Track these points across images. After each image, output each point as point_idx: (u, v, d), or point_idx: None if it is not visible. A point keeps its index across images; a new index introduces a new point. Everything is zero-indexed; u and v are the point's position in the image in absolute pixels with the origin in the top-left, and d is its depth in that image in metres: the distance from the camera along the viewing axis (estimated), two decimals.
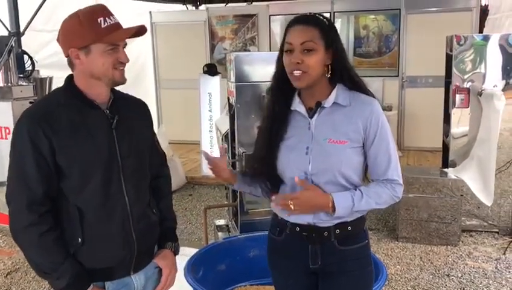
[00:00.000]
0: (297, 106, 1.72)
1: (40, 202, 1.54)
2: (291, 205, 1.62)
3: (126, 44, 1.61)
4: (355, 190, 1.67)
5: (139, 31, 1.59)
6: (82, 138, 1.56)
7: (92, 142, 1.57)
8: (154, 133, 1.87)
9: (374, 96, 1.72)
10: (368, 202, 1.66)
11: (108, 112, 1.63)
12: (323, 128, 1.67)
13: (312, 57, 1.61)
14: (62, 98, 1.59)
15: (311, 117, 1.69)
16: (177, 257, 1.91)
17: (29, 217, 1.53)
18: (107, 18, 1.53)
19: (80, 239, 1.59)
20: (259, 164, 1.79)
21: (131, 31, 1.57)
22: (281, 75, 1.70)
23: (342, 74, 1.67)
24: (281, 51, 1.69)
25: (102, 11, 1.56)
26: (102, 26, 1.52)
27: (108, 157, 1.60)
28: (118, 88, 1.71)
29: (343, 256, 1.72)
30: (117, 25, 1.56)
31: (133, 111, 1.73)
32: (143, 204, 1.73)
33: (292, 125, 1.72)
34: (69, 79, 1.63)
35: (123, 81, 1.62)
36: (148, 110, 1.84)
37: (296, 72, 1.62)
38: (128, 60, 1.59)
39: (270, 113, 1.75)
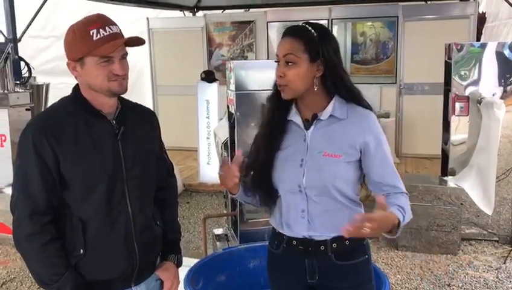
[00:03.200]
0: (294, 116, 1.69)
1: (43, 211, 1.54)
2: (365, 229, 1.39)
3: (126, 54, 1.57)
4: (390, 205, 1.55)
5: (132, 41, 1.55)
6: (86, 148, 1.55)
7: (96, 153, 1.56)
8: (163, 143, 1.85)
9: (371, 108, 1.68)
10: (408, 213, 1.56)
11: (114, 122, 1.61)
12: (318, 141, 1.64)
13: (291, 70, 1.59)
14: (71, 108, 1.58)
15: (307, 129, 1.67)
16: None
17: (31, 227, 1.53)
18: (101, 29, 1.49)
19: (82, 250, 1.58)
20: (256, 172, 1.75)
21: (120, 43, 1.52)
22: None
23: (336, 85, 1.64)
24: None
25: (98, 21, 1.52)
26: (94, 38, 1.48)
27: (113, 168, 1.58)
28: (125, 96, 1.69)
29: (342, 271, 1.69)
30: (111, 36, 1.51)
31: (141, 121, 1.72)
32: (147, 216, 1.71)
33: (289, 136, 1.70)
34: (76, 88, 1.62)
35: (122, 91, 1.59)
36: (156, 119, 1.83)
37: (280, 85, 1.63)
38: (123, 72, 1.55)
39: (269, 121, 1.73)
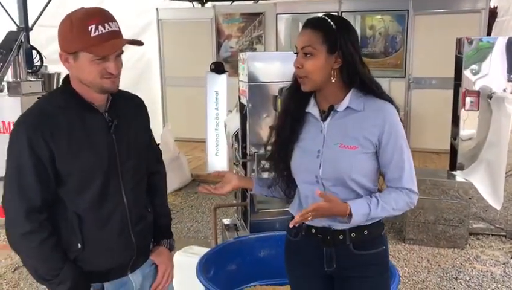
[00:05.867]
0: (312, 108, 1.72)
1: (39, 209, 1.51)
2: (309, 217, 1.59)
3: (121, 52, 1.52)
4: (371, 196, 1.65)
5: (132, 43, 1.52)
6: (81, 143, 1.52)
7: (91, 147, 1.54)
8: (150, 130, 1.83)
9: (390, 100, 1.69)
10: (384, 209, 1.64)
11: (107, 114, 1.58)
12: (335, 132, 1.66)
13: (310, 62, 1.61)
14: (62, 101, 1.54)
15: (323, 120, 1.69)
16: (185, 255, 1.89)
17: (28, 225, 1.50)
18: (100, 25, 1.43)
19: (79, 245, 1.57)
20: (275, 163, 1.79)
21: (119, 44, 1.47)
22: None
23: (352, 78, 1.65)
24: None
25: (98, 16, 1.45)
26: (92, 34, 1.42)
27: (108, 162, 1.57)
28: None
29: (359, 261, 1.71)
30: (110, 34, 1.45)
31: (131, 110, 1.69)
32: (141, 206, 1.72)
33: (306, 127, 1.72)
34: (67, 80, 1.57)
35: (114, 89, 1.55)
36: (144, 106, 1.78)
37: (299, 76, 1.65)
38: (117, 71, 1.50)
39: (287, 112, 1.76)
